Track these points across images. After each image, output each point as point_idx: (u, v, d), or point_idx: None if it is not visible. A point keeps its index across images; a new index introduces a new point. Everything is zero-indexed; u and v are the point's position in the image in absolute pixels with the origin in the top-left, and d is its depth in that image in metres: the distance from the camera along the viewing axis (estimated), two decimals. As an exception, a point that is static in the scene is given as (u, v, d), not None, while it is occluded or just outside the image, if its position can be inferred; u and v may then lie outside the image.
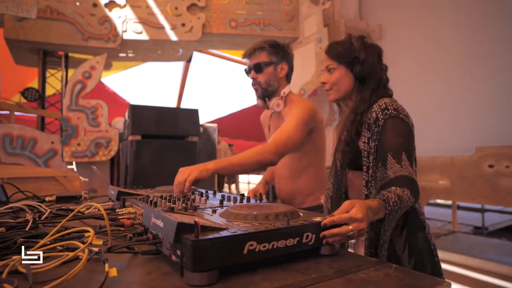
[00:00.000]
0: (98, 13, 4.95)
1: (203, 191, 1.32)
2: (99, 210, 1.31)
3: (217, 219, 0.74)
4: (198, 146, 3.38)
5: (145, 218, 0.76)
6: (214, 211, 0.83)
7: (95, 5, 4.95)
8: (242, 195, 1.14)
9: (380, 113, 1.02)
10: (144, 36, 5.08)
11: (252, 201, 1.05)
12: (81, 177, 4.13)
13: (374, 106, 1.05)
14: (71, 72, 5.34)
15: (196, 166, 1.13)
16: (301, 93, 5.35)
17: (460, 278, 2.99)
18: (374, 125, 1.03)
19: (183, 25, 5.21)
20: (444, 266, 1.08)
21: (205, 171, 1.11)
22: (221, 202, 0.99)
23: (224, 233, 0.60)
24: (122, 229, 0.90)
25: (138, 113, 3.07)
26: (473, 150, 3.46)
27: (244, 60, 1.54)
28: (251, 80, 1.52)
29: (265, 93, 1.50)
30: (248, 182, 11.95)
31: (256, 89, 1.51)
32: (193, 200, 1.01)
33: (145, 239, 0.80)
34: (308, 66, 5.58)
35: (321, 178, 1.54)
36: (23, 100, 5.26)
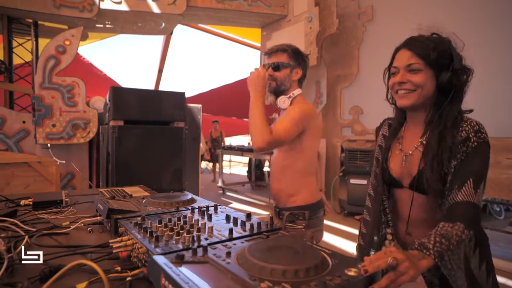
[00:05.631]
0: (71, -22, 4.45)
1: (204, 205, 1.20)
2: (85, 225, 1.18)
3: (237, 271, 0.64)
4: (184, 132, 3.21)
5: (152, 272, 0.64)
6: (228, 254, 0.72)
7: (67, -32, 4.45)
8: (248, 214, 1.05)
9: (473, 134, 0.95)
10: (124, 7, 4.67)
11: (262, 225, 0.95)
12: (57, 160, 3.88)
13: (463, 124, 0.98)
14: (41, 42, 4.87)
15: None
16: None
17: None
18: (461, 144, 0.96)
19: (166, -4, 4.82)
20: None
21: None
22: (231, 231, 0.88)
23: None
24: (118, 268, 0.78)
25: (121, 96, 2.84)
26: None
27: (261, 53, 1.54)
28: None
29: (277, 90, 1.58)
30: (230, 160, 11.88)
31: (269, 84, 1.59)
32: (198, 229, 0.89)
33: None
34: (297, 46, 5.36)
35: (303, 180, 1.57)
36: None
